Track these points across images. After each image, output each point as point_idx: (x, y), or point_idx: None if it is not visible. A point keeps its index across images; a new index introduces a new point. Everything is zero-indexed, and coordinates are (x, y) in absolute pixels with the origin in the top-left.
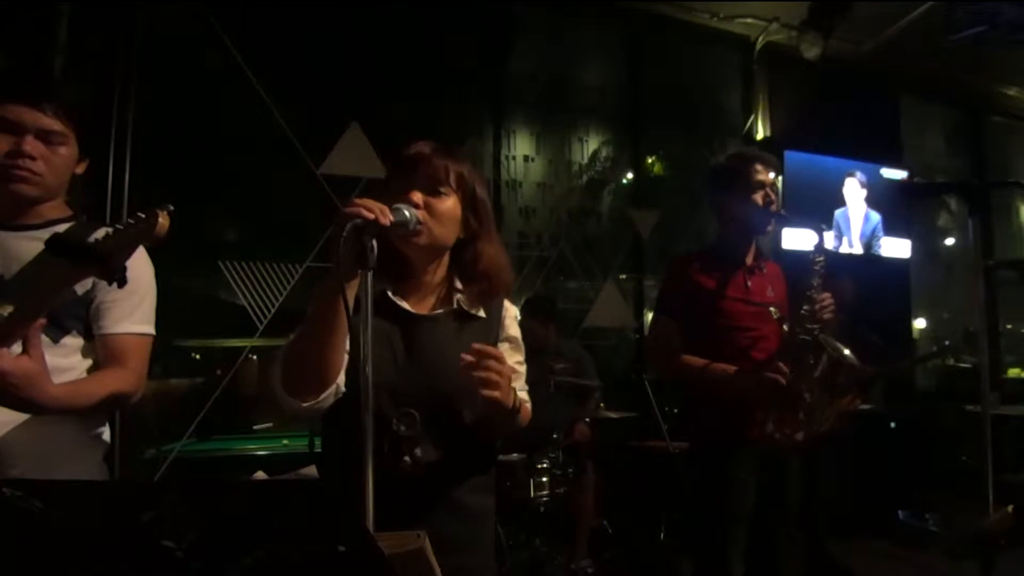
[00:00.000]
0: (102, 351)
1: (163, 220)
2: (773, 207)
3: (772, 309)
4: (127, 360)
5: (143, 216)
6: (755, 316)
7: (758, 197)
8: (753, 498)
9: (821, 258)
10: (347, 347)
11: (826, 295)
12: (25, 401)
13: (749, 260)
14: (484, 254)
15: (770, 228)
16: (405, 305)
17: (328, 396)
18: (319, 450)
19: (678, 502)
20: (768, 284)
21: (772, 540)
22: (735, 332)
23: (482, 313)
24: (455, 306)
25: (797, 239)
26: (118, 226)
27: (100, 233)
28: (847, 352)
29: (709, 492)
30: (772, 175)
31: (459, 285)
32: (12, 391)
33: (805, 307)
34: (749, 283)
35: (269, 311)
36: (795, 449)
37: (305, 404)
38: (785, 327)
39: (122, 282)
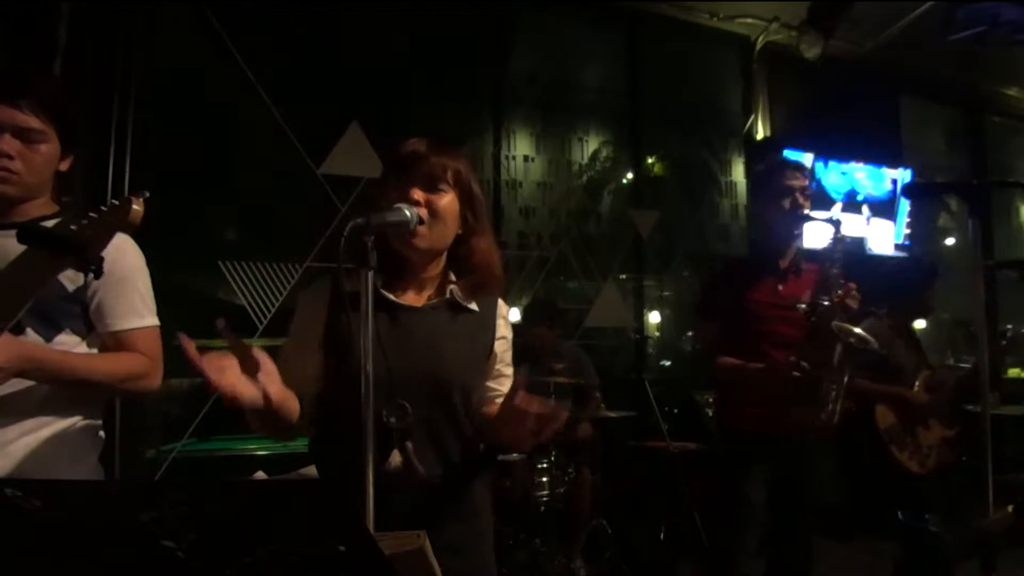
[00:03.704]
0: (114, 348)
1: (137, 207)
2: (802, 211)
3: (800, 306)
4: (141, 352)
5: (117, 203)
6: (784, 320)
7: (786, 202)
8: (774, 494)
9: (839, 248)
10: (310, 371)
11: (852, 284)
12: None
13: (783, 264)
14: (478, 249)
15: (799, 232)
16: (396, 299)
17: (303, 423)
18: None
19: (680, 502)
20: (805, 287)
21: (790, 537)
22: (765, 335)
23: (474, 306)
24: (448, 296)
25: (811, 238)
26: (92, 214)
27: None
28: (862, 334)
29: (734, 487)
30: (803, 180)
31: (453, 278)
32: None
33: (824, 298)
34: (781, 287)
35: (269, 311)
36: (819, 432)
37: (285, 439)
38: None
39: (98, 273)
